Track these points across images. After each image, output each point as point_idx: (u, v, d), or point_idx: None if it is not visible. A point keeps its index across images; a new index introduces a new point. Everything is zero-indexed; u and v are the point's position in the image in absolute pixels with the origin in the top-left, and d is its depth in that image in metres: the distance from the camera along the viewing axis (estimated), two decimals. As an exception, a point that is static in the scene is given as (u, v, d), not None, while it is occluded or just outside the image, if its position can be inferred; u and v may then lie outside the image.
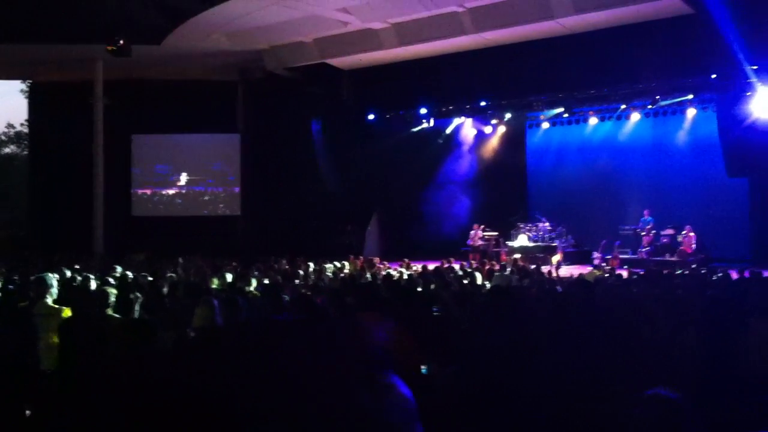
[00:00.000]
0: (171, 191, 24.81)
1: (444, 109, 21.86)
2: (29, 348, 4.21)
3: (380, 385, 1.52)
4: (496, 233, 21.80)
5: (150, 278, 10.39)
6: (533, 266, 14.36)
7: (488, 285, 10.06)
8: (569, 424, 3.01)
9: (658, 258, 18.59)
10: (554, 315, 5.36)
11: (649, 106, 19.75)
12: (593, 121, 21.31)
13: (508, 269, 13.23)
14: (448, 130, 23.31)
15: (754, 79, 15.76)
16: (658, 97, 18.98)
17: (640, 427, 2.50)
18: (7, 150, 45.16)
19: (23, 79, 31.04)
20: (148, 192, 24.83)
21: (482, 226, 21.83)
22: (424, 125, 22.48)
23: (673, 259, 18.24)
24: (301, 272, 12.45)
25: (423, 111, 21.69)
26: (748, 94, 16.30)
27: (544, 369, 3.41)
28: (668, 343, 4.59)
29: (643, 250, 19.24)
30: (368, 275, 13.01)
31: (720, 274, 10.70)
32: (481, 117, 22.59)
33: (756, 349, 4.39)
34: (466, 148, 24.02)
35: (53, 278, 6.23)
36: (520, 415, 3.04)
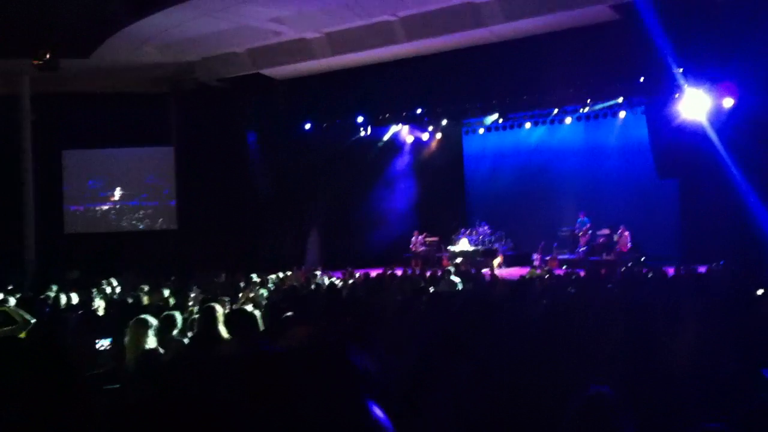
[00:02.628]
0: (105, 207, 24.21)
1: (381, 117, 21.90)
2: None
3: (367, 412, 1.53)
4: (436, 238, 21.95)
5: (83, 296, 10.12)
6: (474, 270, 14.49)
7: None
8: (503, 422, 3.03)
9: (595, 257, 18.99)
10: (486, 315, 5.39)
11: (581, 110, 20.13)
12: (527, 126, 21.62)
13: (452, 275, 13.30)
14: (386, 138, 23.37)
15: (681, 82, 16.20)
16: (589, 100, 19.37)
17: (575, 422, 2.52)
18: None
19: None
20: (81, 208, 24.19)
21: (424, 234, 21.97)
22: (362, 133, 22.49)
23: (609, 258, 18.65)
24: (242, 284, 12.31)
25: (360, 119, 21.71)
26: (676, 96, 16.74)
27: (474, 367, 3.42)
28: (598, 341, 4.67)
29: (581, 250, 19.62)
30: (311, 286, 12.93)
31: (651, 274, 10.97)
32: (417, 124, 22.72)
33: (687, 344, 4.50)
34: (403, 155, 24.15)
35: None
36: (453, 414, 3.04)
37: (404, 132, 23.50)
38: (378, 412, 1.27)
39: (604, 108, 19.95)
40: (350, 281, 13.50)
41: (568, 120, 20.94)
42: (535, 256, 19.56)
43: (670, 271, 11.78)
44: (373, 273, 14.15)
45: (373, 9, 17.70)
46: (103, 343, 5.15)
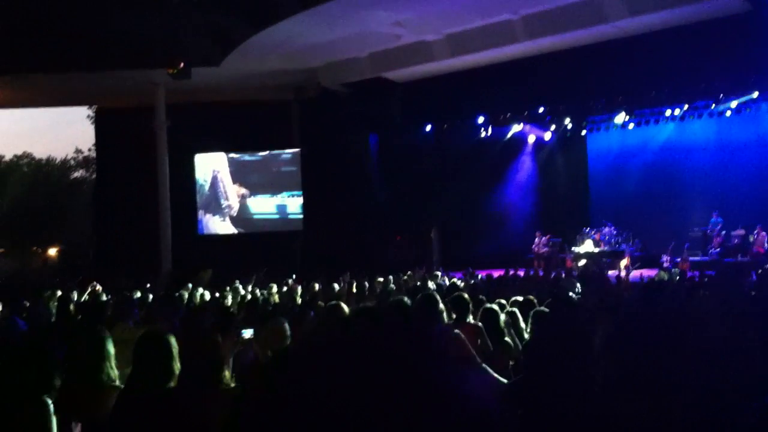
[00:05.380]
0: (234, 209, 25.13)
1: (501, 117, 21.72)
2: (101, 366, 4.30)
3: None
4: (559, 239, 21.56)
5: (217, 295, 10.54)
6: (596, 272, 14.14)
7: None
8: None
9: (730, 259, 18.10)
10: (617, 321, 5.24)
11: (713, 106, 19.26)
12: (654, 122, 20.88)
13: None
14: (507, 138, 23.10)
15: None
16: (721, 96, 18.50)
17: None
18: (76, 174, 46.63)
19: (89, 105, 32.07)
20: (212, 211, 25.22)
21: (548, 235, 21.61)
22: (482, 134, 22.35)
23: (745, 259, 17.74)
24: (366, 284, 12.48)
25: (480, 120, 21.58)
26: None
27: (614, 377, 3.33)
28: (734, 347, 4.46)
29: (714, 251, 18.74)
30: (431, 285, 12.97)
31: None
32: (539, 123, 22.36)
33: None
34: (525, 155, 23.82)
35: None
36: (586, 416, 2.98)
37: (526, 132, 23.15)
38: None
39: (738, 104, 19.00)
40: (471, 282, 13.45)
41: (699, 115, 20.05)
42: (665, 257, 18.83)
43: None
44: (495, 274, 14.06)
45: (493, 8, 17.60)
46: (245, 334, 5.37)
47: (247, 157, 24.93)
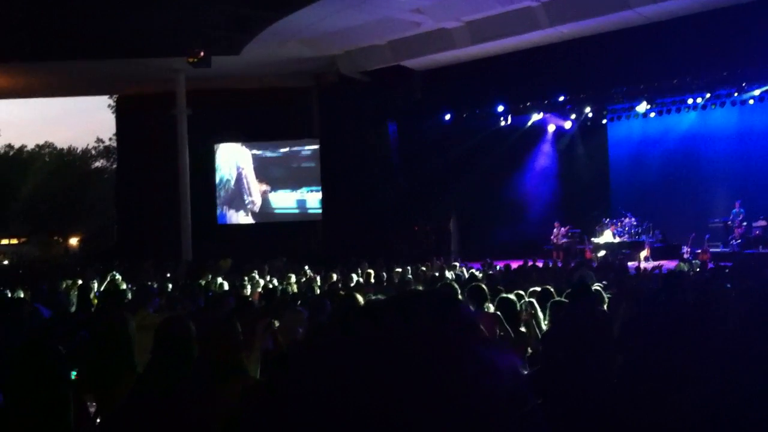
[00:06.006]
0: (253, 198, 25.29)
1: (521, 106, 21.59)
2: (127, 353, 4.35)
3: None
4: (578, 230, 21.44)
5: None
6: (617, 263, 14.06)
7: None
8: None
9: (751, 250, 17.91)
10: (636, 312, 5.21)
11: (735, 94, 19.04)
12: (675, 111, 20.68)
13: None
14: (526, 127, 22.96)
15: None
16: (744, 84, 18.28)
17: None
18: (97, 164, 47.00)
19: (110, 94, 32.28)
20: (231, 199, 25.40)
21: (567, 226, 21.49)
22: (502, 123, 22.24)
23: (766, 251, 17.56)
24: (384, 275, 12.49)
25: (500, 108, 21.48)
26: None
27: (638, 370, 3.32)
28: (754, 339, 4.41)
29: (735, 242, 18.56)
30: (449, 275, 12.96)
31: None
32: (559, 112, 22.22)
33: None
34: (545, 144, 23.69)
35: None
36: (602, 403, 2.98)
37: (546, 120, 23.00)
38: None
39: (761, 92, 18.76)
40: (489, 272, 13.42)
41: (722, 104, 19.84)
42: (685, 248, 18.67)
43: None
44: (514, 265, 14.01)
45: (514, -5, 17.48)
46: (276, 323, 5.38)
47: (269, 153, 25.15)
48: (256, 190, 25.06)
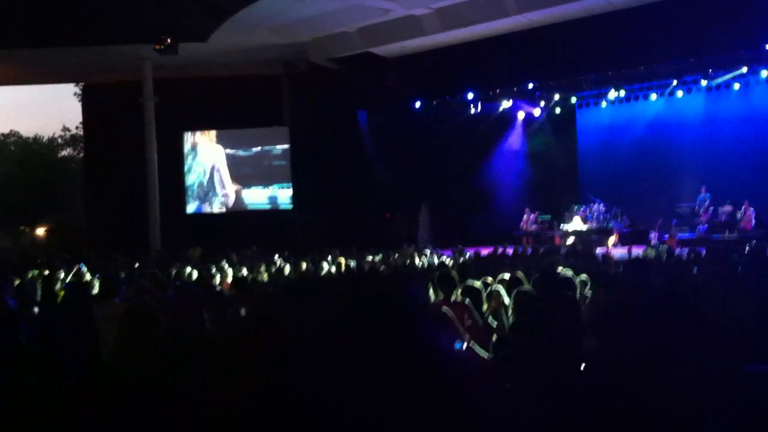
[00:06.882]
0: (222, 187, 25.24)
1: (491, 93, 21.66)
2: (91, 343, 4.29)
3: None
4: (548, 216, 21.60)
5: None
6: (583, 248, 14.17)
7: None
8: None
9: (717, 235, 18.17)
10: (606, 297, 5.25)
11: (702, 82, 19.24)
12: (643, 98, 20.88)
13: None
14: (496, 114, 23.03)
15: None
16: (710, 70, 18.48)
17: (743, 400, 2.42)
18: (63, 153, 46.31)
19: (76, 82, 31.76)
20: (200, 189, 25.29)
21: (536, 212, 21.64)
22: (472, 110, 22.28)
23: (732, 236, 17.82)
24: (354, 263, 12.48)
25: (470, 96, 21.50)
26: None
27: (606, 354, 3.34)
28: (722, 323, 4.46)
29: (702, 227, 18.82)
30: (420, 263, 12.99)
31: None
32: (529, 99, 22.32)
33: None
34: (515, 131, 23.79)
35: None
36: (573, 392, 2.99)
37: (515, 107, 23.09)
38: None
39: (727, 79, 18.99)
40: (460, 260, 13.46)
41: (688, 90, 20.06)
42: (653, 234, 18.90)
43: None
44: (484, 252, 14.08)
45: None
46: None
47: (241, 153, 25.38)
48: (229, 185, 25.29)
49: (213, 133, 25.02)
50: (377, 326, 0.96)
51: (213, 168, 25.41)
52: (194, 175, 25.32)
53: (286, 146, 24.56)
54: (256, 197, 25.27)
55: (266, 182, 25.07)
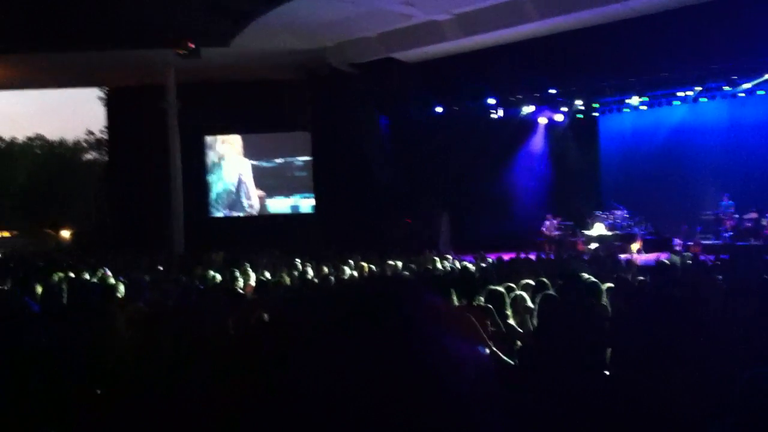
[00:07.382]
0: (245, 191, 25.63)
1: (513, 99, 21.57)
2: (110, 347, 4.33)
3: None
4: (570, 222, 21.49)
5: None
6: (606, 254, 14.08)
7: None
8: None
9: (742, 242, 17.99)
10: (628, 304, 5.22)
11: (726, 88, 19.07)
12: (666, 104, 20.73)
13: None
14: (518, 120, 22.93)
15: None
16: (734, 77, 18.32)
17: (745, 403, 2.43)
18: (88, 156, 46.80)
19: (100, 86, 32.12)
20: (223, 193, 25.61)
21: (558, 218, 21.54)
22: (493, 115, 22.21)
23: (758, 243, 17.64)
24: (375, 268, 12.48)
25: (491, 101, 21.45)
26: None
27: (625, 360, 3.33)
28: (745, 329, 4.44)
29: (726, 234, 18.64)
30: (441, 267, 12.96)
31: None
32: (550, 105, 22.21)
33: None
34: (537, 137, 23.70)
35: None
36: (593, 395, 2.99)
37: (537, 113, 22.99)
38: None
39: (751, 85, 18.80)
40: (482, 265, 13.42)
41: (712, 97, 19.88)
42: (677, 240, 18.75)
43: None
44: (506, 257, 14.03)
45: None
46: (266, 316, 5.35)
47: (265, 164, 26.31)
48: (254, 195, 26.35)
49: (239, 144, 25.62)
50: (378, 326, 0.97)
51: (239, 180, 26.29)
52: (221, 185, 25.93)
53: (307, 158, 24.94)
54: (279, 206, 26.17)
55: (288, 192, 25.76)
